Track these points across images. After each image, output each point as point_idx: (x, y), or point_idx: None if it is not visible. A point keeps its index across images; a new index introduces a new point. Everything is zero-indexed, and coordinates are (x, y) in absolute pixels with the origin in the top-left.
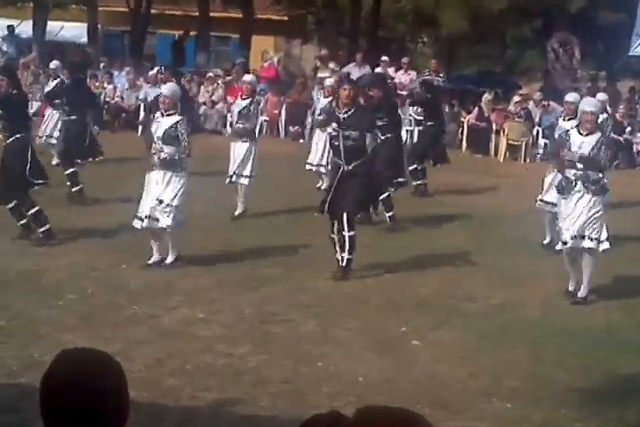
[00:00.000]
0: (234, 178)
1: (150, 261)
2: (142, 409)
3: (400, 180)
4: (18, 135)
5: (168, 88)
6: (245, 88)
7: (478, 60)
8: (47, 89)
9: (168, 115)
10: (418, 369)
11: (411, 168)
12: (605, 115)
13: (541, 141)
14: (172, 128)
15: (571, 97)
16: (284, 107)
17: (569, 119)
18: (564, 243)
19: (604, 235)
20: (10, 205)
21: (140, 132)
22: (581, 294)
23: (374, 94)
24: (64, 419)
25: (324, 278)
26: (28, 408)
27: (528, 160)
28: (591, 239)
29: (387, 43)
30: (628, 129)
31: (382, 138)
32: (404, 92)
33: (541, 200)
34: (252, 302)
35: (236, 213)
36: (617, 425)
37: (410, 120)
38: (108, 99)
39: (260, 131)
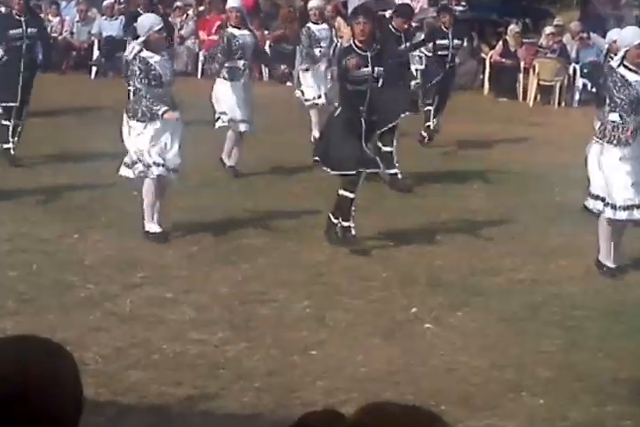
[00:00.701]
0: (241, 126)
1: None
2: (100, 409)
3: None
4: None
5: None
6: (235, 16)
7: None
8: None
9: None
10: (432, 359)
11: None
12: None
13: (579, 82)
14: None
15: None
16: (267, 43)
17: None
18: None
19: None
20: None
21: (93, 74)
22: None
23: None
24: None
25: (320, 250)
26: None
27: (563, 104)
28: None
29: None
30: None
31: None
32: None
33: None
34: (231, 280)
35: (232, 163)
36: None
37: (420, 57)
38: (54, 34)
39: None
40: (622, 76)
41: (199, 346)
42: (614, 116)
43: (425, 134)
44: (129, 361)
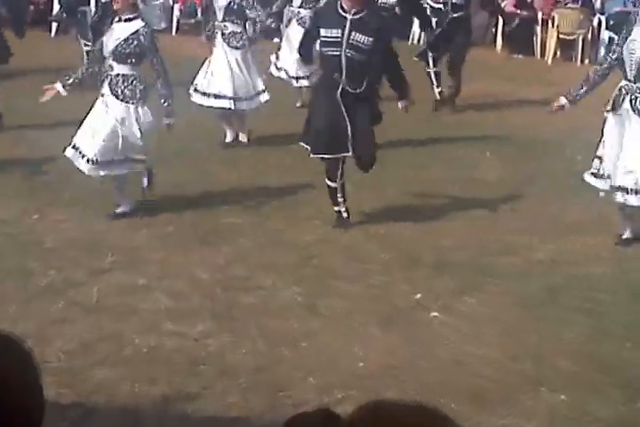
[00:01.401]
0: (236, 104)
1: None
2: (64, 411)
3: None
4: None
5: None
6: None
7: None
8: None
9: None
10: (438, 350)
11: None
12: None
13: (605, 35)
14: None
15: None
16: None
17: None
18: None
19: None
20: None
21: (53, 31)
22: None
23: None
24: None
25: (311, 229)
26: None
27: (587, 61)
28: None
29: None
30: None
31: None
32: None
33: None
34: (211, 264)
35: (245, 139)
36: None
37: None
38: None
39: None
40: None
41: (176, 339)
42: None
43: (439, 98)
44: (96, 357)
